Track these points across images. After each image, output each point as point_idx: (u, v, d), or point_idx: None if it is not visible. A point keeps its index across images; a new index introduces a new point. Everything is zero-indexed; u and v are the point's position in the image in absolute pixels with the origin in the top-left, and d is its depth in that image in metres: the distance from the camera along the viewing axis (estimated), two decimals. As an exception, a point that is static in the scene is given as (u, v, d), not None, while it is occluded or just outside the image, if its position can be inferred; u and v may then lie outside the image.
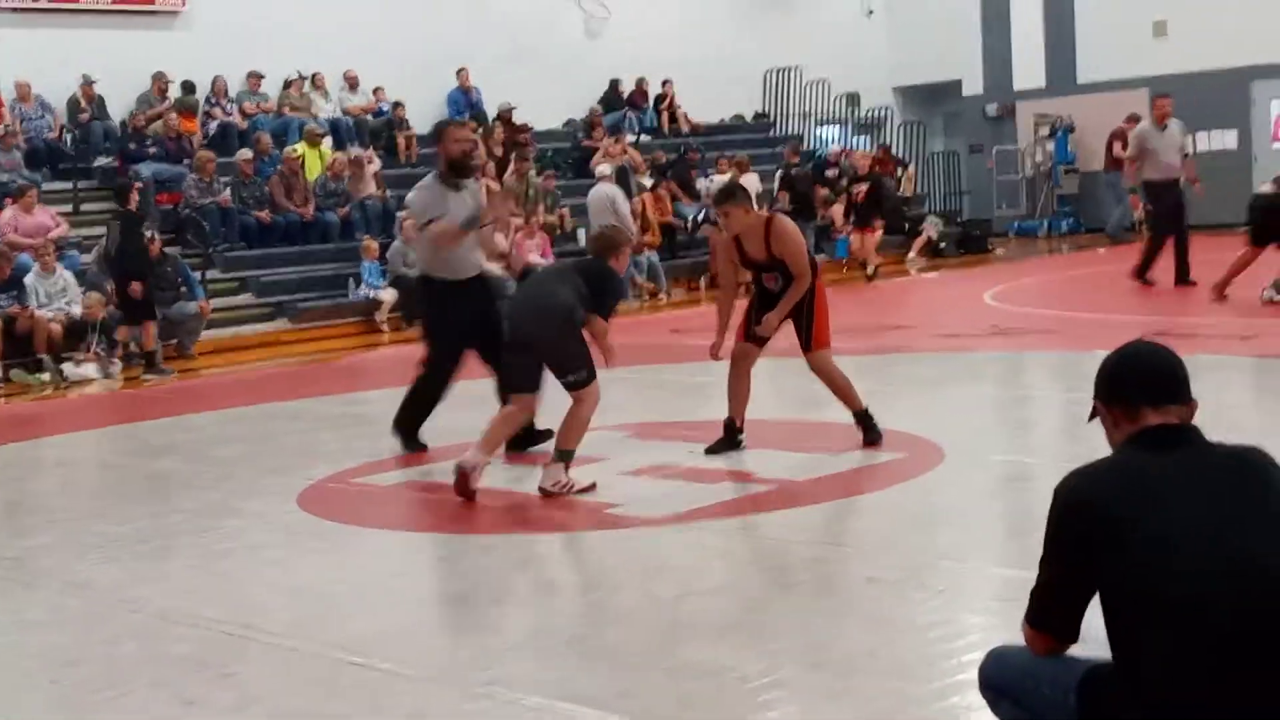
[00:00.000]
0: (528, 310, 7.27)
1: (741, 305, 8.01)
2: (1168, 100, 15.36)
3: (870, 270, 19.25)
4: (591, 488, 7.04)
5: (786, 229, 7.69)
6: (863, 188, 19.90)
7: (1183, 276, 14.80)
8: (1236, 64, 22.57)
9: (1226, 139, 23.28)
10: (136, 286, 13.67)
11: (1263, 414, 7.86)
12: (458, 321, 8.21)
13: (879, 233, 19.76)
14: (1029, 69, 25.59)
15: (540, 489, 7.04)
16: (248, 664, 4.85)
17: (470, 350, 8.27)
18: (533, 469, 7.58)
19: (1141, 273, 15.04)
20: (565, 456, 7.10)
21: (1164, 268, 14.94)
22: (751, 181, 18.56)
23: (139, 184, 15.35)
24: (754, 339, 7.82)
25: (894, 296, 17.75)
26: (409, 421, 8.44)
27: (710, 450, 7.78)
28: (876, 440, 7.68)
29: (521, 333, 7.20)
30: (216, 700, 4.51)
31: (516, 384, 7.37)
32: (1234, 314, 12.32)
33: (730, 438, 7.83)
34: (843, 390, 7.78)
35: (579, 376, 7.13)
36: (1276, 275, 12.53)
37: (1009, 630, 3.20)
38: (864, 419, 7.74)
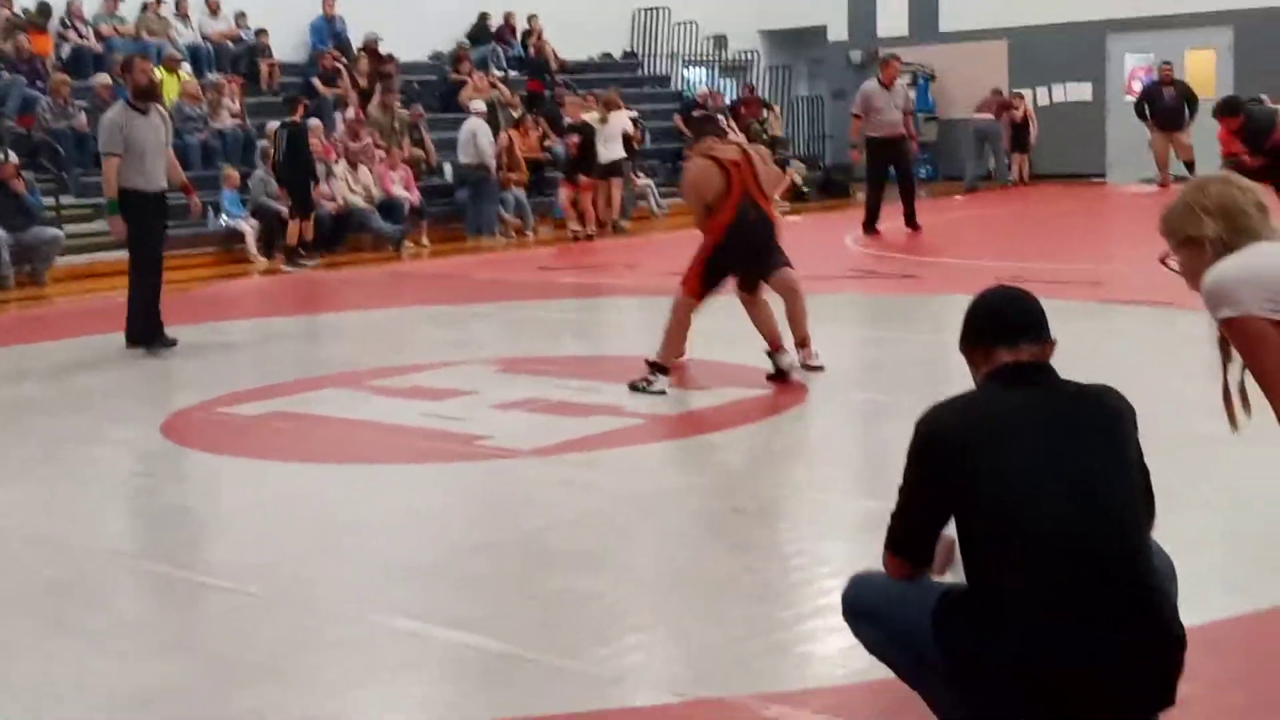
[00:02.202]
0: None
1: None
2: (897, 62, 17.22)
3: (586, 229, 17.60)
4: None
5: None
6: (574, 139, 17.77)
7: (910, 220, 16.50)
8: (1092, 18, 23.10)
9: (1082, 90, 23.86)
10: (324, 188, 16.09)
11: (1105, 356, 8.15)
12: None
13: (591, 189, 17.87)
14: (893, 17, 25.88)
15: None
16: (117, 589, 4.84)
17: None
18: (406, 401, 7.62)
19: (870, 225, 16.41)
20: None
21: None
22: (621, 119, 18.57)
23: (305, 101, 16.90)
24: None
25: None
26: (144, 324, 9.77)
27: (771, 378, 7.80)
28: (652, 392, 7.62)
29: None
30: (88, 623, 4.49)
31: None
32: (1091, 263, 12.71)
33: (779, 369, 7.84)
34: (670, 334, 7.74)
35: None
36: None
37: (869, 559, 3.34)
38: (655, 366, 7.69)
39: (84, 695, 3.90)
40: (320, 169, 16.64)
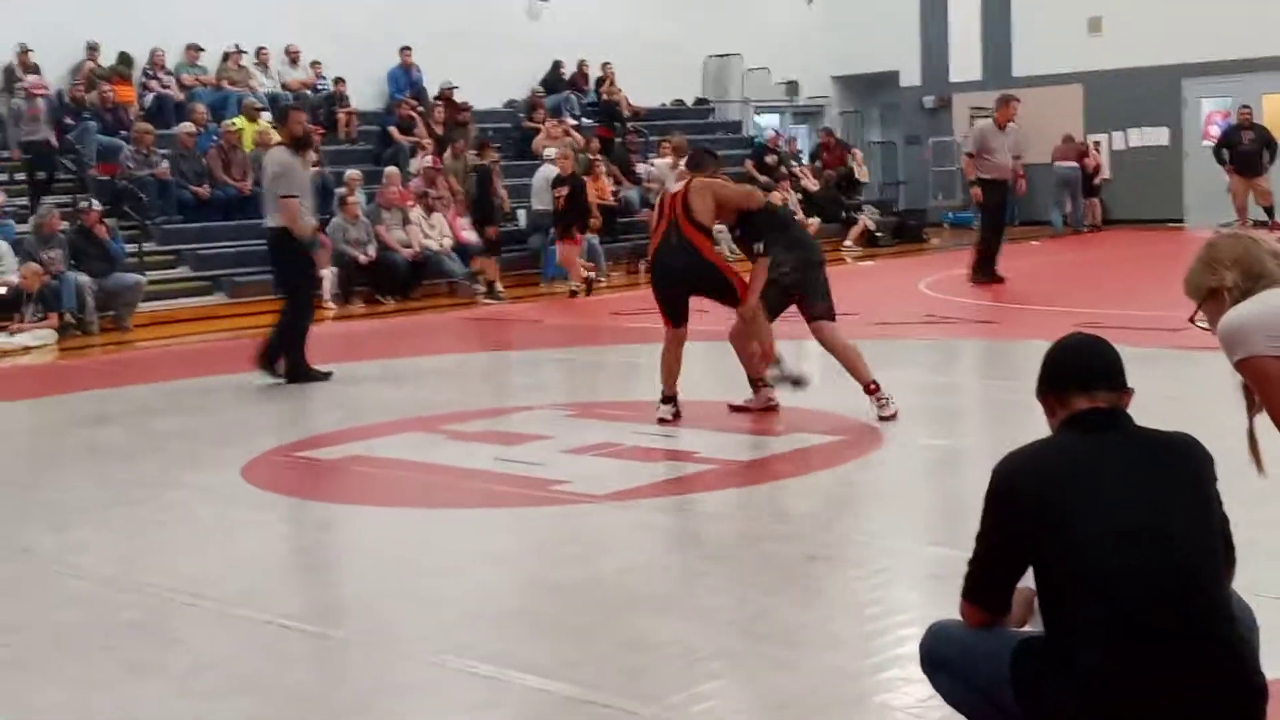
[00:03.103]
0: None
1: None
2: (1016, 103, 16.15)
3: (574, 286, 16.59)
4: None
5: None
6: (563, 191, 16.76)
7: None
8: (1168, 61, 22.95)
9: (1159, 135, 23.69)
10: (491, 230, 16.81)
11: (1183, 404, 8.05)
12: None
13: (582, 243, 17.13)
14: (965, 62, 25.86)
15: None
16: (197, 631, 4.89)
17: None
18: (480, 445, 7.69)
19: (986, 268, 15.64)
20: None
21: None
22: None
23: (493, 145, 18.20)
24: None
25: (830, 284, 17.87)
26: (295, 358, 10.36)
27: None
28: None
29: None
30: (168, 665, 4.56)
31: None
32: (1169, 309, 12.56)
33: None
34: (665, 371, 8.17)
35: None
36: None
37: (943, 607, 3.33)
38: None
39: (165, 735, 3.96)
40: (397, 216, 16.87)
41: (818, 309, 8.12)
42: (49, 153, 16.40)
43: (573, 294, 16.49)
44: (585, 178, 19.08)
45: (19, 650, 4.78)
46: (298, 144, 10.52)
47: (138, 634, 4.89)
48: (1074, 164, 22.87)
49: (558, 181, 16.93)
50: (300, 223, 10.29)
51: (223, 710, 4.10)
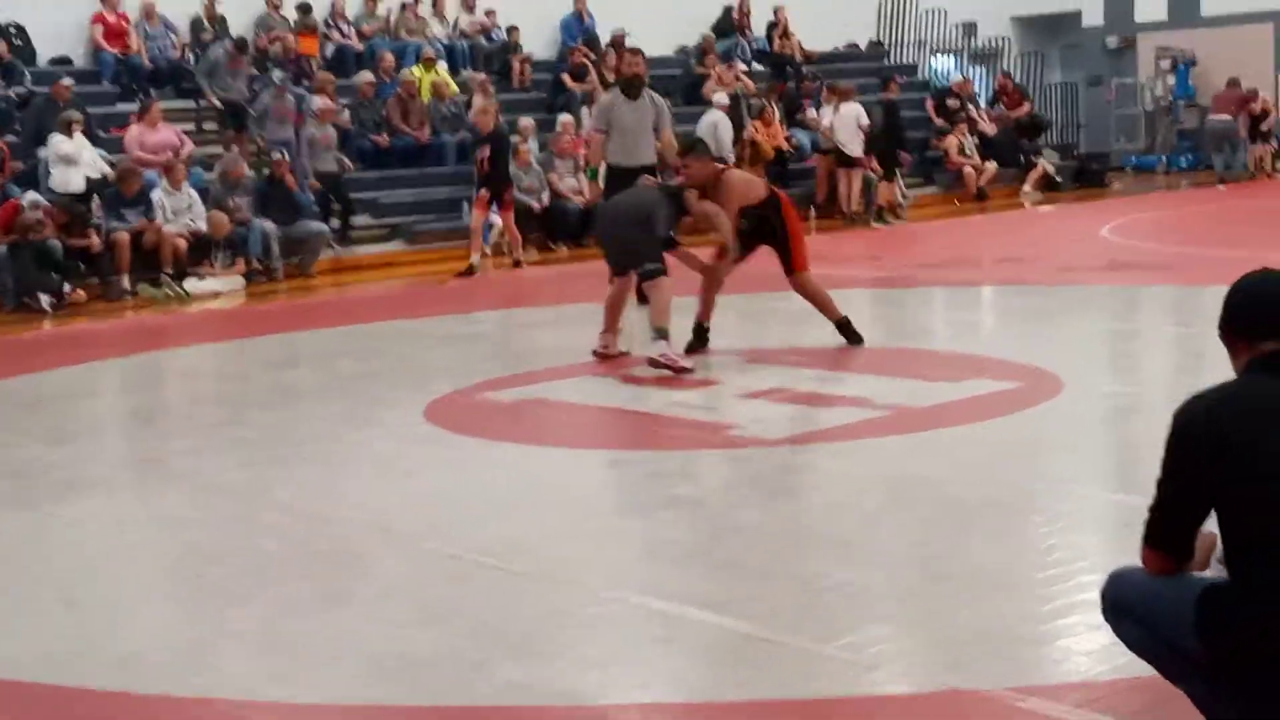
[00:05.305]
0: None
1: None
2: None
3: (474, 261, 14.38)
4: (690, 370, 8.18)
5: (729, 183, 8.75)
6: (484, 152, 14.44)
7: None
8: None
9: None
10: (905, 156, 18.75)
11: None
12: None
13: (511, 211, 14.92)
14: (1151, 1, 25.03)
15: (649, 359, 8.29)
16: (386, 562, 5.07)
17: None
18: (654, 389, 7.78)
19: None
20: (662, 334, 8.28)
21: None
22: (852, 110, 18.49)
23: (897, 78, 19.70)
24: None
25: (1008, 229, 17.61)
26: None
27: (689, 350, 8.66)
28: (858, 343, 8.66)
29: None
30: (358, 593, 4.74)
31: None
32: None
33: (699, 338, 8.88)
34: (824, 303, 8.83)
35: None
36: None
37: (1126, 554, 3.29)
38: (844, 327, 8.72)
39: (355, 659, 4.11)
40: (569, 164, 17.00)
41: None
42: (242, 110, 16.73)
43: (470, 271, 14.26)
44: (756, 123, 18.97)
45: (220, 578, 5.00)
46: (627, 83, 11.18)
47: (330, 564, 5.09)
48: (1227, 117, 22.07)
49: (478, 141, 14.77)
50: (594, 154, 11.20)
51: (409, 639, 4.25)
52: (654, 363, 8.24)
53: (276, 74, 16.77)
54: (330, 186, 15.91)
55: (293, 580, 4.92)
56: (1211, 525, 3.02)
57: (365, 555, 5.18)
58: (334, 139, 16.16)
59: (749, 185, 9.01)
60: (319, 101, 16.21)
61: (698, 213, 8.70)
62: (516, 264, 15.01)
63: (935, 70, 24.99)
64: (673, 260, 8.69)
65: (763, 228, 8.80)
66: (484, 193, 14.52)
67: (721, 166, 9.27)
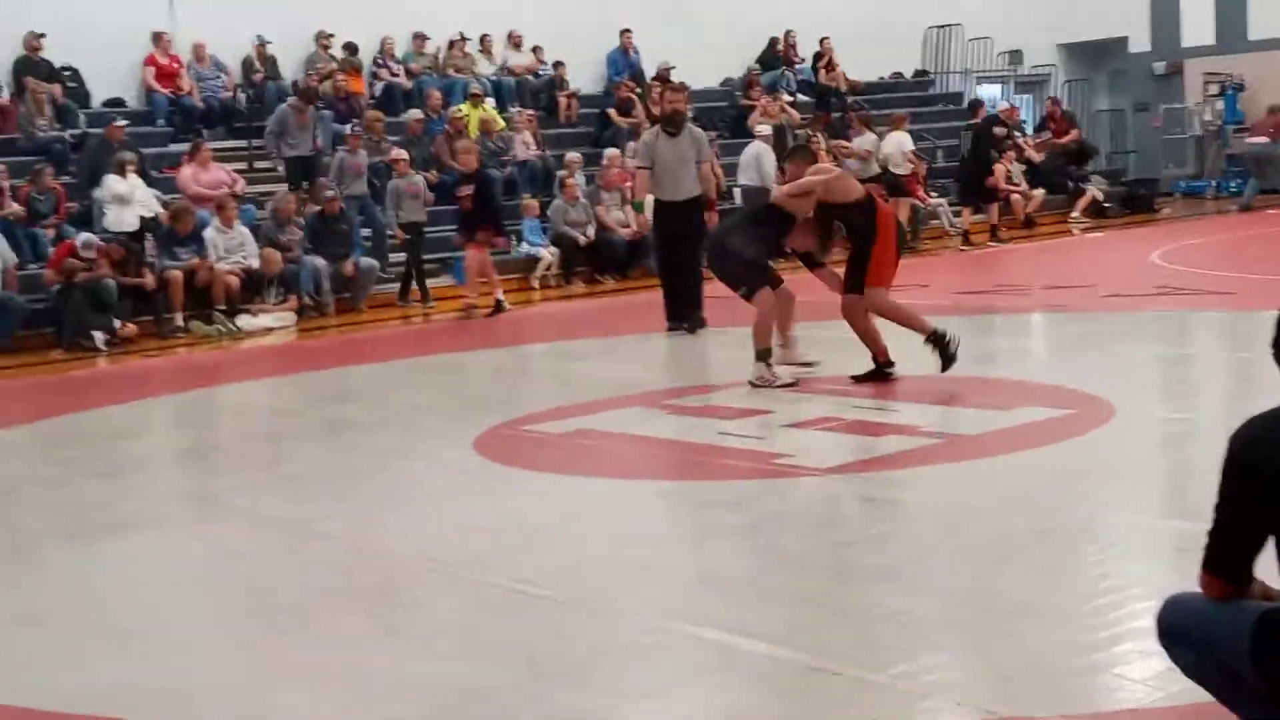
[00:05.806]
0: None
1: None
2: None
3: (472, 300, 14.12)
4: (792, 385, 8.49)
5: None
6: (468, 190, 14.04)
7: None
8: None
9: None
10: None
11: None
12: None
13: (487, 248, 14.37)
14: (1198, 25, 24.89)
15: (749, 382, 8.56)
16: (436, 595, 5.09)
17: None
18: (703, 419, 7.77)
19: None
20: (761, 355, 8.55)
21: None
22: (901, 139, 18.51)
23: (984, 103, 20.12)
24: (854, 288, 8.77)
25: (1059, 256, 17.51)
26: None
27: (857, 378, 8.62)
28: (953, 360, 8.36)
29: None
30: (408, 626, 4.76)
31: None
32: None
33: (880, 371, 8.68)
34: (908, 319, 8.65)
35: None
36: None
37: (1180, 581, 3.25)
38: (937, 340, 8.42)
39: (407, 692, 4.12)
40: (616, 197, 17.06)
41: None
42: (311, 164, 16.70)
43: (467, 311, 14.03)
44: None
45: (272, 612, 5.03)
46: (667, 121, 11.61)
47: (382, 597, 5.11)
48: (1265, 140, 21.92)
49: (461, 180, 14.32)
50: (640, 189, 11.72)
51: (460, 671, 4.25)
52: (754, 384, 8.49)
53: (348, 128, 16.86)
54: (415, 235, 15.63)
55: (344, 614, 4.94)
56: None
57: (416, 588, 5.20)
58: (421, 188, 15.92)
59: (845, 181, 9.00)
60: (396, 153, 16.25)
61: (792, 202, 8.67)
62: (467, 311, 14.11)
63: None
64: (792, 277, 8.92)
65: (851, 228, 8.73)
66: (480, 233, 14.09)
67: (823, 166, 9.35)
